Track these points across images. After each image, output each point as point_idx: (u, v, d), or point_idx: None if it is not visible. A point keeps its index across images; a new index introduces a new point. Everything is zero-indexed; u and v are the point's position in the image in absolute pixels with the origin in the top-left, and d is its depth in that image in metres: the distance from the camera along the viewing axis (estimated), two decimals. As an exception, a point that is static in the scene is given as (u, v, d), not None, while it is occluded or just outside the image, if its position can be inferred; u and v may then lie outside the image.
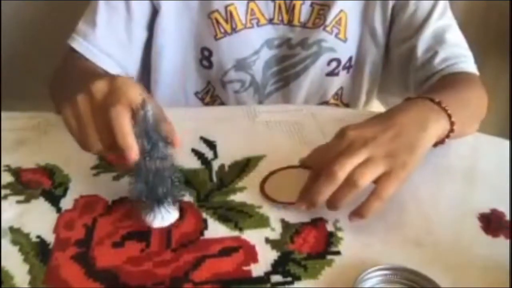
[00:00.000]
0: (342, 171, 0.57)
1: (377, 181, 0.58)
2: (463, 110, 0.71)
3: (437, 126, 0.64)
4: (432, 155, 0.73)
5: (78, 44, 0.84)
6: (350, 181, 0.57)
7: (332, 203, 0.59)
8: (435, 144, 0.66)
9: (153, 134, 0.56)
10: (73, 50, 0.84)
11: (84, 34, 0.84)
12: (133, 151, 0.55)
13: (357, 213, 0.59)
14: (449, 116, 0.65)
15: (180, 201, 0.61)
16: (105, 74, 0.75)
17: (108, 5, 0.84)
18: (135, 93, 0.56)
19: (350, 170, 0.57)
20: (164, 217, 0.59)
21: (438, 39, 0.86)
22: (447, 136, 0.67)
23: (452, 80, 0.82)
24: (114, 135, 0.54)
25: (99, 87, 0.57)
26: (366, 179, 0.57)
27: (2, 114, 0.78)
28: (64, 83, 0.78)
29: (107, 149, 0.57)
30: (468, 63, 0.85)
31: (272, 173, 0.68)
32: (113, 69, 0.83)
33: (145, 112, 0.55)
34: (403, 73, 0.90)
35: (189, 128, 0.76)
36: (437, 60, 0.85)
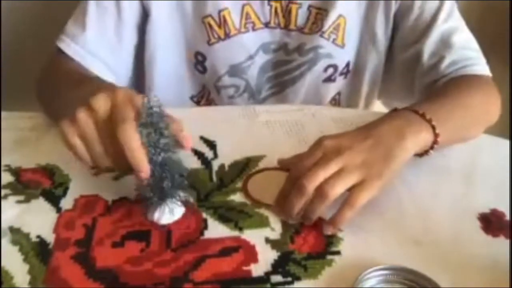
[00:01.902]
0: (311, 184, 0.58)
1: (350, 190, 0.59)
2: (459, 118, 0.71)
3: (417, 137, 0.63)
4: (432, 155, 0.73)
5: (67, 46, 0.82)
6: (321, 193, 0.58)
7: (305, 216, 0.60)
8: (420, 155, 0.66)
9: (159, 124, 0.55)
10: (61, 51, 0.82)
11: (73, 36, 0.82)
12: (144, 171, 0.55)
13: (331, 223, 0.59)
14: (433, 127, 0.65)
15: (184, 194, 0.61)
16: (98, 81, 0.74)
17: (98, 6, 0.82)
18: (139, 104, 0.56)
19: (321, 182, 0.58)
20: (173, 212, 0.59)
21: (445, 43, 0.83)
22: (431, 147, 0.66)
23: (454, 85, 0.80)
24: (123, 153, 0.54)
25: (101, 103, 0.56)
26: (336, 190, 0.58)
27: (2, 114, 0.78)
28: (54, 87, 0.77)
29: (117, 167, 0.58)
30: (478, 65, 0.83)
31: (252, 174, 0.68)
32: (102, 72, 0.82)
33: (150, 102, 0.54)
34: (407, 78, 0.89)
35: (189, 128, 0.76)
36: (444, 65, 0.82)
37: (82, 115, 0.56)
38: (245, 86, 0.91)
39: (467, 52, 0.84)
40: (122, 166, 0.57)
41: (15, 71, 1.25)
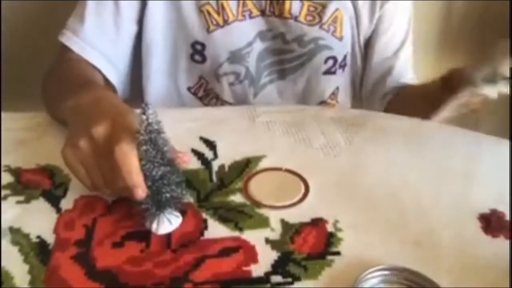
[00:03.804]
0: None
1: None
2: None
3: None
4: (432, 155, 0.73)
5: (67, 39, 0.84)
6: None
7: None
8: None
9: (157, 140, 0.55)
10: (64, 46, 0.85)
11: (74, 29, 0.84)
12: (141, 190, 0.56)
13: None
14: None
15: (181, 203, 0.61)
16: (99, 90, 0.74)
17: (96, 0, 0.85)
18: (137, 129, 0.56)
19: None
20: (171, 222, 0.59)
21: (407, 63, 0.97)
22: None
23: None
24: (119, 175, 0.55)
25: (100, 132, 0.58)
26: None
27: (2, 114, 0.78)
28: (57, 87, 0.79)
29: (116, 192, 0.60)
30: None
31: (252, 174, 0.68)
32: (101, 64, 0.84)
33: (148, 117, 0.54)
34: (377, 89, 0.97)
35: (189, 128, 0.76)
36: (407, 78, 0.96)
37: (82, 144, 0.58)
38: (245, 73, 0.92)
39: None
40: (120, 192, 0.59)
41: (15, 71, 1.25)
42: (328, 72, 0.93)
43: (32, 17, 1.24)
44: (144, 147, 0.55)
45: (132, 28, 0.88)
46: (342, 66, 0.93)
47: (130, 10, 0.86)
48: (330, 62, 0.92)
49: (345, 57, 0.93)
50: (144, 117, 0.54)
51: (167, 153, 0.56)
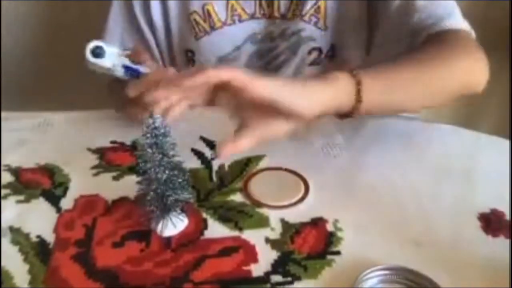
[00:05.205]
0: None
1: None
2: (400, 88, 0.68)
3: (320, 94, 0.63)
4: (432, 155, 0.73)
5: None
6: None
7: None
8: (341, 116, 0.66)
9: (163, 144, 0.56)
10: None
11: None
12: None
13: None
14: (358, 91, 0.63)
15: (187, 204, 0.61)
16: None
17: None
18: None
19: None
20: (176, 224, 0.59)
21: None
22: (352, 112, 0.64)
23: (428, 48, 0.75)
24: None
25: None
26: None
27: (2, 114, 0.78)
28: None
29: None
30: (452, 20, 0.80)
31: (252, 174, 0.68)
32: None
33: (154, 121, 0.55)
34: (398, 28, 0.82)
35: (189, 128, 0.76)
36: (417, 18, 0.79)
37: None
38: None
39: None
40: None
41: (15, 71, 1.25)
42: (313, 63, 0.92)
43: (33, 17, 1.25)
44: (150, 151, 0.56)
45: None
46: (329, 56, 0.92)
47: (143, 21, 0.90)
48: (315, 53, 0.91)
49: (331, 47, 0.91)
50: (150, 121, 0.55)
51: (173, 157, 0.57)
